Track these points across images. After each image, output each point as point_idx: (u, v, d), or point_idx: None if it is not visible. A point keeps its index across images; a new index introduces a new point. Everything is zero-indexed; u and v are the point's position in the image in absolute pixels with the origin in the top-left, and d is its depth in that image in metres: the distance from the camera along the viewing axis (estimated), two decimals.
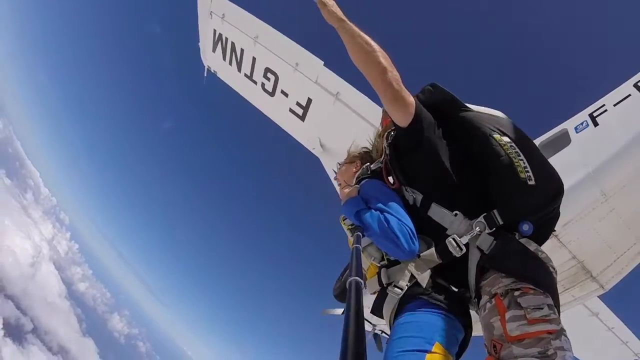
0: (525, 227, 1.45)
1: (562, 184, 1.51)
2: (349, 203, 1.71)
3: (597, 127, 3.08)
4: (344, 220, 1.76)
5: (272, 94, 4.40)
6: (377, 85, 1.54)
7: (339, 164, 2.21)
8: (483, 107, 1.68)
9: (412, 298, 1.47)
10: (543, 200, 1.49)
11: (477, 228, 1.46)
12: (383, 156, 1.89)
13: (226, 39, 4.35)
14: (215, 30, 4.39)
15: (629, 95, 2.96)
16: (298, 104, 4.28)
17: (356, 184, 1.89)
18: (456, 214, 1.52)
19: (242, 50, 4.30)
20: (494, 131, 1.52)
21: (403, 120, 1.57)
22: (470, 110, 1.64)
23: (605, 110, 3.07)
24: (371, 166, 1.93)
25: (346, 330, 0.57)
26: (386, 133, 1.83)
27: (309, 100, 4.18)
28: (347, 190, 1.85)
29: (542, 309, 1.22)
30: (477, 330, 1.43)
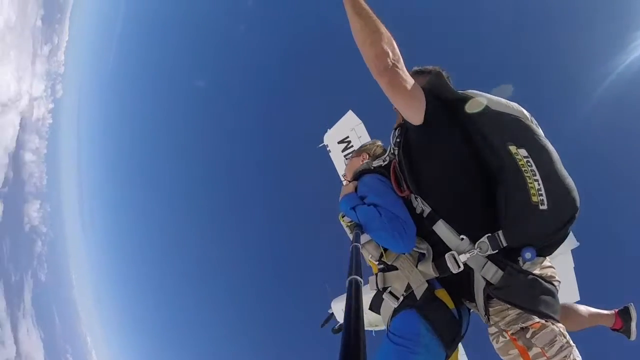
0: (528, 255, 1.36)
1: (577, 207, 1.32)
2: (345, 199, 1.71)
3: None
4: (342, 217, 1.73)
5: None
6: (372, 68, 1.34)
7: (346, 158, 2.37)
8: (495, 97, 1.42)
9: (405, 306, 1.50)
10: (553, 226, 1.33)
11: (479, 249, 1.39)
12: (388, 153, 1.82)
13: (349, 142, 8.29)
14: (348, 137, 8.40)
15: None
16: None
17: (355, 179, 1.86)
18: (462, 239, 1.44)
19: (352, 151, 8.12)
20: (510, 141, 1.33)
21: (412, 116, 1.42)
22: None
23: None
24: (373, 163, 1.85)
25: (346, 329, 0.58)
26: (395, 129, 1.69)
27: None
28: (345, 186, 1.84)
29: (555, 342, 1.34)
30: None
